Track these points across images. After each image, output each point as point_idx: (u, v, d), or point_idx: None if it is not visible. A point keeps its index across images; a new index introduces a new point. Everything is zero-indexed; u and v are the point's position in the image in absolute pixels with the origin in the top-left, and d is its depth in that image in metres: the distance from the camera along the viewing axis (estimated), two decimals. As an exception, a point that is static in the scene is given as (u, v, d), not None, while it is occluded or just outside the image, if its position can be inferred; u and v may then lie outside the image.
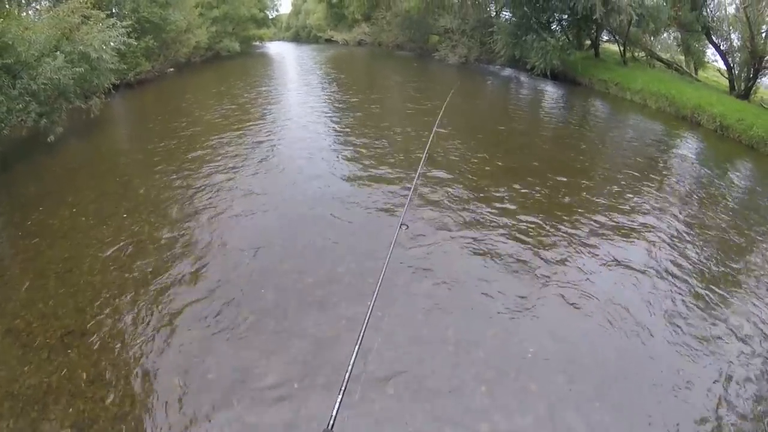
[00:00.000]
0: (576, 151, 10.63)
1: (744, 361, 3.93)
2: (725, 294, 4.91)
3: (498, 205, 6.47)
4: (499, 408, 3.33)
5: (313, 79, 17.84)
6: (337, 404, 2.31)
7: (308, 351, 3.72)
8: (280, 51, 28.01)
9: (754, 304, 4.76)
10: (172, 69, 17.88)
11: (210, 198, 6.57)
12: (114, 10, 10.03)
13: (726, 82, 16.94)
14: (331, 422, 2.22)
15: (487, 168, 8.07)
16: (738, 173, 10.36)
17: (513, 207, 6.46)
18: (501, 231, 5.75)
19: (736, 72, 15.68)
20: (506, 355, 3.79)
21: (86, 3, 8.80)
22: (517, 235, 5.70)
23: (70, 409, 3.27)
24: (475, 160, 8.32)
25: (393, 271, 4.52)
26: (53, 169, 7.78)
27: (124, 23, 9.60)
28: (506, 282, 4.73)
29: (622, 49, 18.55)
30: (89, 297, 4.40)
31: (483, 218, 6.05)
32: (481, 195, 6.79)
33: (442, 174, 7.49)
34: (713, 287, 4.98)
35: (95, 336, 3.92)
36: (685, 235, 6.28)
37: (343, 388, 2.38)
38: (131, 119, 11.52)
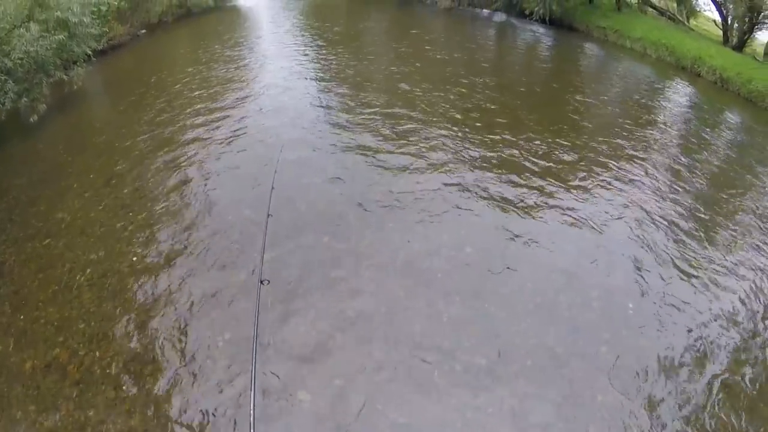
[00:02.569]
0: (585, 94, 11.00)
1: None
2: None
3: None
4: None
5: (296, 39, 16.60)
6: None
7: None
8: (255, 3, 25.99)
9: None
10: (143, 31, 16.40)
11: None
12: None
13: (718, 32, 16.80)
14: None
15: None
16: (737, 124, 10.80)
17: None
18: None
19: (730, 23, 15.53)
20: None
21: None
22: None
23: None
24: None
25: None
26: (45, 154, 7.11)
27: (103, -19, 8.58)
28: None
29: (617, -5, 17.99)
30: (145, 309, 3.95)
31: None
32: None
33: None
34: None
35: (169, 360, 3.52)
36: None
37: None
38: (115, 91, 10.52)
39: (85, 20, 8.00)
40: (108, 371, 3.38)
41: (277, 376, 3.38)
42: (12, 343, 3.75)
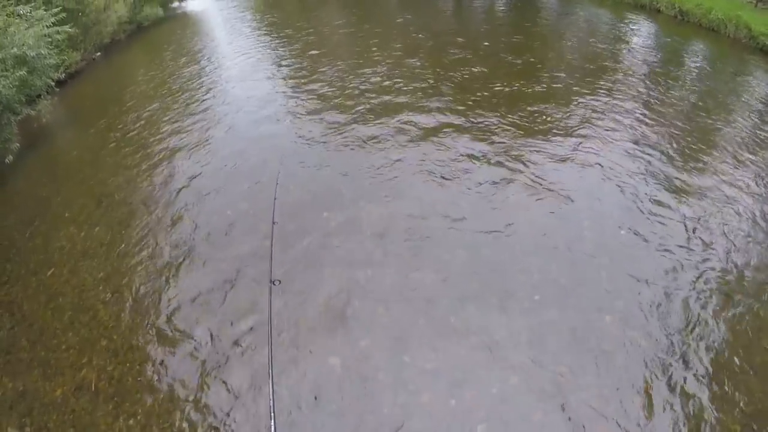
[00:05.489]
0: (540, 40, 11.83)
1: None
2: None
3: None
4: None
5: (257, 47, 16.27)
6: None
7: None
8: (205, 7, 25.37)
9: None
10: (98, 53, 16.05)
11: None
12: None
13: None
14: None
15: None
16: (701, 53, 11.28)
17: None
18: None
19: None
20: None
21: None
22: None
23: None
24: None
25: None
26: (28, 191, 7.04)
27: (53, 11, 8.36)
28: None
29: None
30: (165, 314, 4.06)
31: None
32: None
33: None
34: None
35: (192, 355, 3.63)
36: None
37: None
38: (82, 119, 10.32)
39: (42, 52, 7.85)
40: (140, 379, 3.47)
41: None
42: (38, 376, 3.81)
